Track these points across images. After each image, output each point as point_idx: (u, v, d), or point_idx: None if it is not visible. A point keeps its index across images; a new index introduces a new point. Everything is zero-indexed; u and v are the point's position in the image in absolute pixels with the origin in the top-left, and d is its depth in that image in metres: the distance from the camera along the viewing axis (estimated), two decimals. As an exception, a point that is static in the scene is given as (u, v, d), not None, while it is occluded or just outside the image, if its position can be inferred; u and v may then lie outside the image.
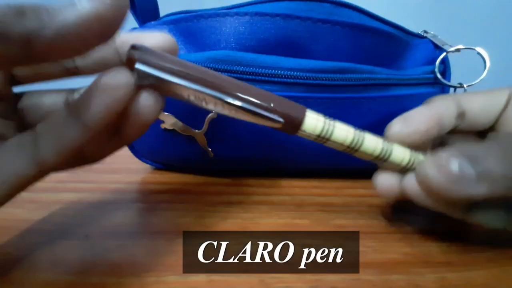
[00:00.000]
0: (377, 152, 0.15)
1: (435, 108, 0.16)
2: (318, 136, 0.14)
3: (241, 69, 0.19)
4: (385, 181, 0.16)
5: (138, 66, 0.11)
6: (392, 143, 0.15)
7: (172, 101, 0.21)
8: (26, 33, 0.10)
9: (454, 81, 0.23)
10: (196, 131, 0.21)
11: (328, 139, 0.14)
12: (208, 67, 0.19)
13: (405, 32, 0.23)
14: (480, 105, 0.17)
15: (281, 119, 0.13)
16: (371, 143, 0.15)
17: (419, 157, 0.15)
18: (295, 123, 0.14)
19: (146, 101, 0.12)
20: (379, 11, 0.22)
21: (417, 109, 0.16)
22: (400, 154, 0.15)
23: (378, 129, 0.22)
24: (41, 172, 0.13)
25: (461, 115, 0.17)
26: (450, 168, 0.13)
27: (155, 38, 0.13)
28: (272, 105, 0.13)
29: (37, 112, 0.14)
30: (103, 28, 0.10)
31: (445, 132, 0.17)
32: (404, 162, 0.15)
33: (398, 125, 0.16)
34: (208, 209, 0.19)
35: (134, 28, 0.23)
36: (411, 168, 0.15)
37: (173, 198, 0.20)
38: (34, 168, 0.13)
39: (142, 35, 0.13)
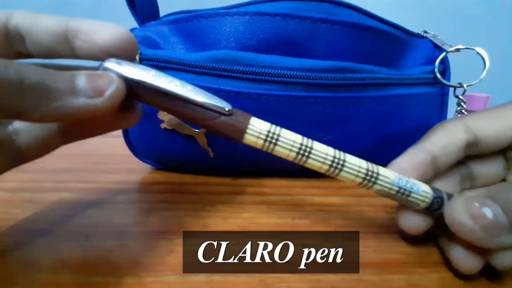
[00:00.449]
0: (328, 161, 0.14)
1: (425, 153, 0.15)
2: (267, 133, 0.14)
3: (241, 69, 0.19)
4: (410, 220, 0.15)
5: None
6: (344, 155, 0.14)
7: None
8: (19, 109, 0.10)
9: (453, 81, 0.23)
10: (196, 130, 0.21)
11: (277, 139, 0.14)
12: (208, 67, 0.19)
13: (405, 32, 0.23)
14: (495, 129, 0.15)
15: (229, 107, 0.14)
16: (321, 149, 0.14)
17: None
18: (243, 120, 0.14)
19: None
20: (379, 11, 0.22)
21: (404, 158, 0.15)
22: (355, 163, 0.14)
23: (378, 128, 0.22)
24: (19, 163, 0.13)
25: (473, 144, 0.15)
26: (484, 216, 0.12)
27: (110, 31, 0.13)
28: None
29: None
30: (93, 116, 0.11)
31: (450, 164, 0.16)
32: (362, 171, 0.14)
33: None
34: (208, 209, 0.19)
35: (134, 28, 0.23)
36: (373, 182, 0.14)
37: (173, 198, 0.20)
38: (13, 161, 0.13)
39: (96, 26, 0.13)
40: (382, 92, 0.21)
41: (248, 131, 0.14)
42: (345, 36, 0.20)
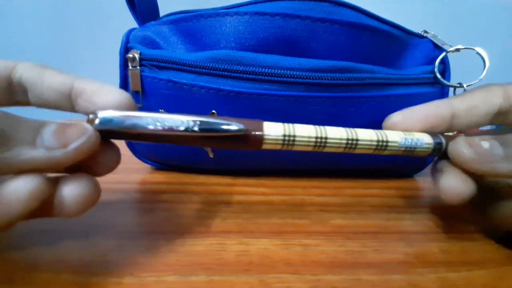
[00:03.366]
0: (343, 144, 0.15)
1: (447, 108, 0.16)
2: (284, 136, 0.14)
3: (241, 69, 0.19)
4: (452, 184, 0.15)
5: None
6: (355, 130, 0.16)
7: (173, 101, 0.21)
8: None
9: (453, 81, 0.23)
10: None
11: (294, 140, 0.15)
12: (208, 66, 0.19)
13: (404, 31, 0.23)
14: None
15: (241, 126, 0.14)
16: (335, 135, 0.15)
17: (393, 136, 0.16)
18: (257, 130, 0.14)
19: (70, 195, 0.12)
20: (379, 11, 0.22)
21: (426, 106, 0.17)
22: (367, 137, 0.15)
23: (377, 128, 0.22)
24: None
25: (504, 113, 0.16)
26: (481, 146, 0.14)
27: (112, 95, 0.14)
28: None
29: None
30: (54, 168, 0.11)
31: (470, 127, 0.17)
32: (374, 144, 0.16)
33: (398, 117, 0.17)
34: (208, 209, 0.19)
35: (134, 29, 0.23)
36: (387, 146, 0.16)
37: (173, 198, 0.20)
38: None
39: (99, 88, 0.14)
40: (382, 92, 0.21)
41: (265, 141, 0.14)
42: (345, 36, 0.20)
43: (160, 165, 0.25)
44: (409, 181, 0.25)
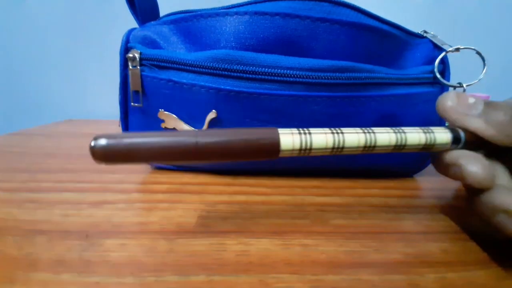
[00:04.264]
0: (360, 149, 0.15)
1: None
2: (299, 150, 0.14)
3: (241, 68, 0.19)
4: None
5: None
6: (373, 130, 0.16)
7: (173, 101, 0.21)
8: None
9: (453, 81, 0.23)
10: (197, 130, 0.21)
11: (310, 151, 0.15)
12: (208, 66, 0.19)
13: (404, 31, 0.23)
14: None
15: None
16: (353, 144, 0.15)
17: (410, 135, 0.16)
18: (273, 141, 0.14)
19: None
20: (379, 11, 0.22)
21: None
22: (385, 138, 0.16)
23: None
24: None
25: None
26: (467, 99, 0.16)
27: None
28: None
29: None
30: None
31: None
32: (392, 143, 0.16)
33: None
34: (208, 209, 0.19)
35: (134, 29, 0.23)
36: (403, 147, 0.16)
37: (173, 198, 0.20)
38: None
39: None
40: (382, 92, 0.21)
41: (281, 152, 0.14)
42: (345, 36, 0.20)
43: (160, 165, 0.25)
44: (409, 181, 0.25)
